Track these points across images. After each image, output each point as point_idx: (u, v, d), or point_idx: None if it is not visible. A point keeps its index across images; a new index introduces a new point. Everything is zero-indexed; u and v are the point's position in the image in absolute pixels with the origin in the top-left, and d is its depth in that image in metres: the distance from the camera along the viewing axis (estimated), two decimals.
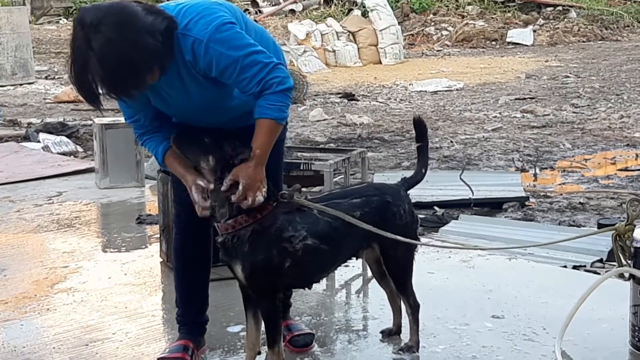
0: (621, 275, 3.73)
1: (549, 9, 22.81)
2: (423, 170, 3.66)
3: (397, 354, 3.64)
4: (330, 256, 3.46)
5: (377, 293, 4.34)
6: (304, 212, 3.32)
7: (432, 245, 5.09)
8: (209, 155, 3.19)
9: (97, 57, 2.87)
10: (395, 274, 3.60)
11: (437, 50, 20.58)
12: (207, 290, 3.68)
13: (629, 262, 3.63)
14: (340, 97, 13.80)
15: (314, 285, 4.47)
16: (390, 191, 3.56)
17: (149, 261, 5.03)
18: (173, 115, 3.38)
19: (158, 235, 5.08)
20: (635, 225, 3.63)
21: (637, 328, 3.61)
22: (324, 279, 4.62)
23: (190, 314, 3.66)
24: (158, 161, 3.41)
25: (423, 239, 4.77)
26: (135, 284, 4.57)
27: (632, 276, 3.61)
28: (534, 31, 21.54)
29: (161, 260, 4.97)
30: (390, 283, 3.68)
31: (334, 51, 18.17)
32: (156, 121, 3.34)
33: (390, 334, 3.81)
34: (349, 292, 4.59)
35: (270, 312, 3.33)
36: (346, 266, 4.61)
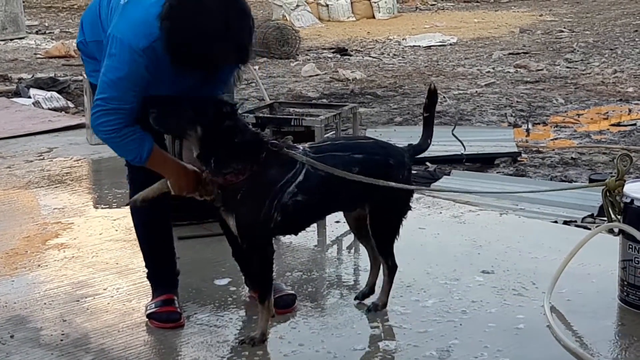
0: (611, 231, 3.74)
1: None
2: (428, 140, 3.62)
3: (384, 309, 3.66)
4: (321, 209, 3.48)
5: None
6: (296, 165, 3.28)
7: (426, 190, 5.08)
8: (196, 125, 3.18)
9: None
10: (380, 236, 3.54)
11: (431, 5, 20.43)
12: (173, 243, 3.70)
13: (619, 217, 3.64)
14: (333, 52, 13.71)
15: (305, 241, 4.52)
16: (395, 153, 3.50)
17: None
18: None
19: None
20: (625, 181, 3.63)
21: (625, 283, 3.63)
22: (315, 235, 4.65)
23: (164, 271, 3.68)
24: (138, 156, 3.27)
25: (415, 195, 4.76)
26: (126, 240, 4.57)
27: (621, 231, 3.63)
28: None
29: None
30: (370, 240, 3.63)
31: (327, 5, 18.02)
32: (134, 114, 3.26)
33: (365, 297, 3.73)
34: (340, 248, 4.60)
35: (261, 266, 3.35)
36: (337, 222, 4.64)
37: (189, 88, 3.30)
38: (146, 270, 3.72)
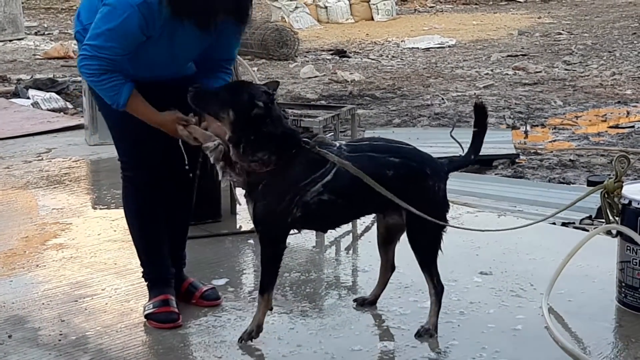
0: (609, 232, 3.74)
1: None
2: (472, 157, 3.48)
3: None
4: (348, 210, 3.39)
5: (367, 250, 4.37)
6: (326, 164, 3.23)
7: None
8: (229, 109, 3.18)
9: None
10: (420, 250, 3.39)
11: (430, 7, 20.46)
12: (167, 243, 3.69)
13: (617, 218, 3.64)
14: (331, 54, 13.73)
15: (304, 242, 4.52)
16: (433, 165, 3.37)
17: None
18: (147, 65, 3.35)
19: None
20: (623, 182, 3.64)
21: (623, 284, 3.64)
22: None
23: (161, 270, 3.67)
24: (115, 102, 3.28)
25: None
26: (124, 240, 4.56)
27: (619, 233, 3.63)
28: None
29: None
30: (390, 253, 3.59)
31: (325, 7, 18.04)
32: (124, 70, 3.30)
33: (363, 304, 3.70)
34: (339, 249, 4.60)
35: (269, 261, 3.32)
36: None
37: (188, 53, 3.35)
38: (142, 270, 3.72)
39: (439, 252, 3.41)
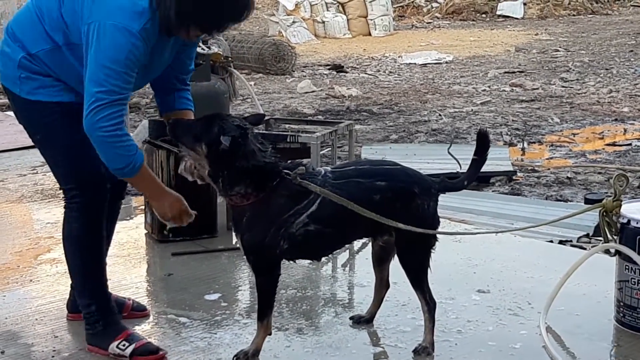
0: (607, 251, 3.72)
1: None
2: (466, 182, 3.47)
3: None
4: (338, 238, 3.38)
5: (363, 267, 4.34)
6: (310, 194, 3.19)
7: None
8: (201, 143, 3.13)
9: None
10: (411, 269, 3.39)
11: (427, 23, 20.50)
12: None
13: (615, 237, 3.62)
14: (329, 69, 13.73)
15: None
16: (421, 183, 3.34)
17: (133, 232, 5.00)
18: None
19: (143, 207, 5.05)
20: (622, 201, 3.62)
21: (622, 304, 3.61)
22: None
23: (110, 304, 3.44)
24: (132, 163, 3.12)
25: None
26: (119, 255, 4.53)
27: (617, 252, 3.61)
28: (524, 4, 21.47)
29: (146, 231, 4.94)
30: (384, 271, 3.57)
31: (323, 22, 18.07)
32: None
33: (360, 321, 3.66)
34: (335, 266, 4.57)
35: (263, 288, 3.28)
36: None
37: (161, 66, 3.31)
38: (86, 309, 3.41)
39: (429, 269, 3.40)
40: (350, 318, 3.72)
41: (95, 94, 3.02)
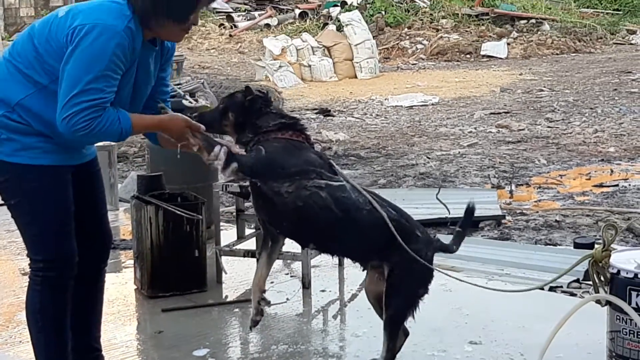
0: (597, 301, 3.71)
1: (522, 21, 22.93)
2: (455, 247, 3.67)
3: None
4: (335, 230, 3.34)
5: (354, 319, 4.32)
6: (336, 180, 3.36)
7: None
8: (228, 112, 3.41)
9: None
10: (392, 305, 3.39)
11: (412, 64, 20.62)
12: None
13: (606, 287, 3.62)
14: (316, 113, 13.77)
15: (291, 311, 4.46)
16: (423, 231, 3.52)
17: (122, 288, 4.96)
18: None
19: (132, 262, 5.02)
20: (611, 251, 3.62)
21: (614, 354, 3.60)
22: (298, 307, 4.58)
23: None
24: (124, 131, 3.07)
25: None
26: (108, 312, 4.49)
27: (608, 302, 3.60)
28: (508, 44, 21.63)
29: (135, 287, 4.91)
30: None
31: (309, 66, 18.15)
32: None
33: None
34: (326, 318, 4.55)
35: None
36: (322, 291, 4.60)
37: (147, 84, 3.31)
38: None
39: (412, 317, 3.45)
40: None
41: (72, 96, 2.97)
